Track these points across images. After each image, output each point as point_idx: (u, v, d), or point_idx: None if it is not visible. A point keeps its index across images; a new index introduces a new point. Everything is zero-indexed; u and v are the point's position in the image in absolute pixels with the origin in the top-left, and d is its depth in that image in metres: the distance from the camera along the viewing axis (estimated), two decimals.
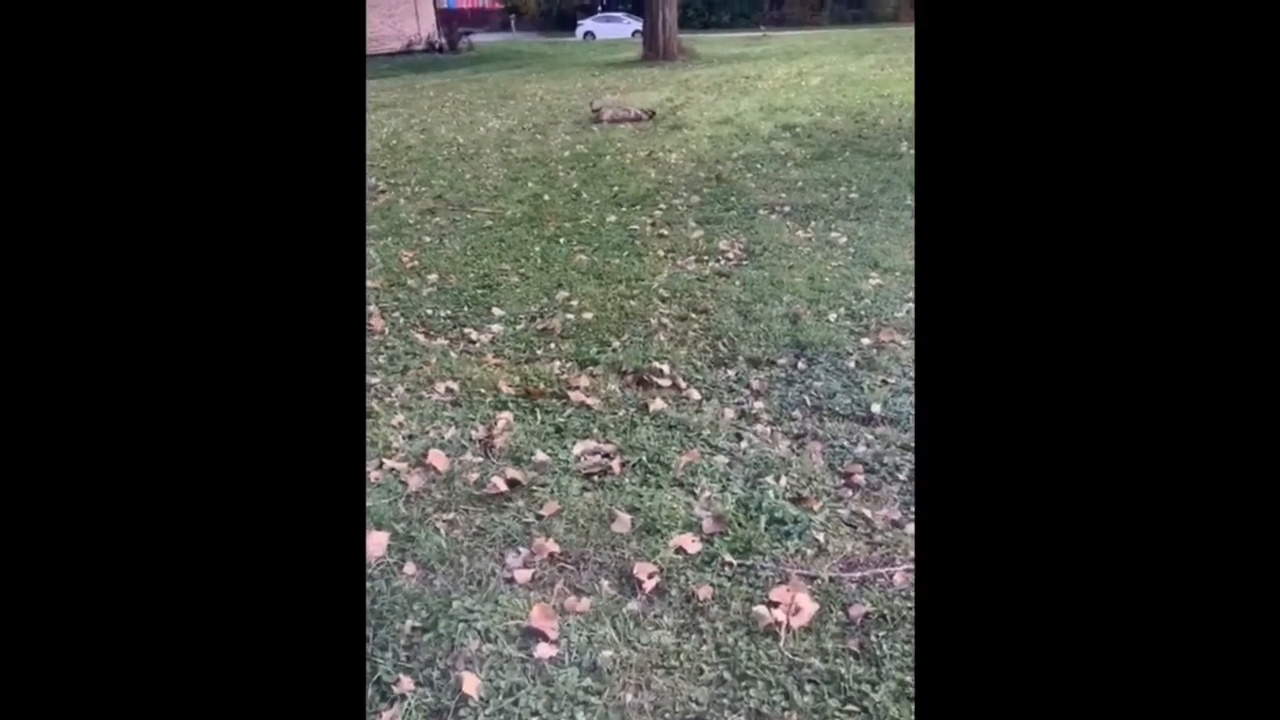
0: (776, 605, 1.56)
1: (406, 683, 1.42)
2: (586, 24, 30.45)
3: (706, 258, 3.85)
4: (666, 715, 1.36)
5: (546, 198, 5.15)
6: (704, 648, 1.50)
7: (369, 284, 3.61)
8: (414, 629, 1.55)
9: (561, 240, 4.21)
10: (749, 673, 1.43)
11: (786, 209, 4.63)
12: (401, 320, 3.21)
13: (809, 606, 1.56)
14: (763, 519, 1.86)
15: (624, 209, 4.80)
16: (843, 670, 1.43)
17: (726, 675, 1.43)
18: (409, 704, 1.39)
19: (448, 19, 24.88)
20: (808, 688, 1.40)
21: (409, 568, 1.74)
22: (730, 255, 3.88)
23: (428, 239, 4.34)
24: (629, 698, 1.39)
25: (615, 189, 5.30)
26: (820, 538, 1.79)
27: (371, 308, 3.32)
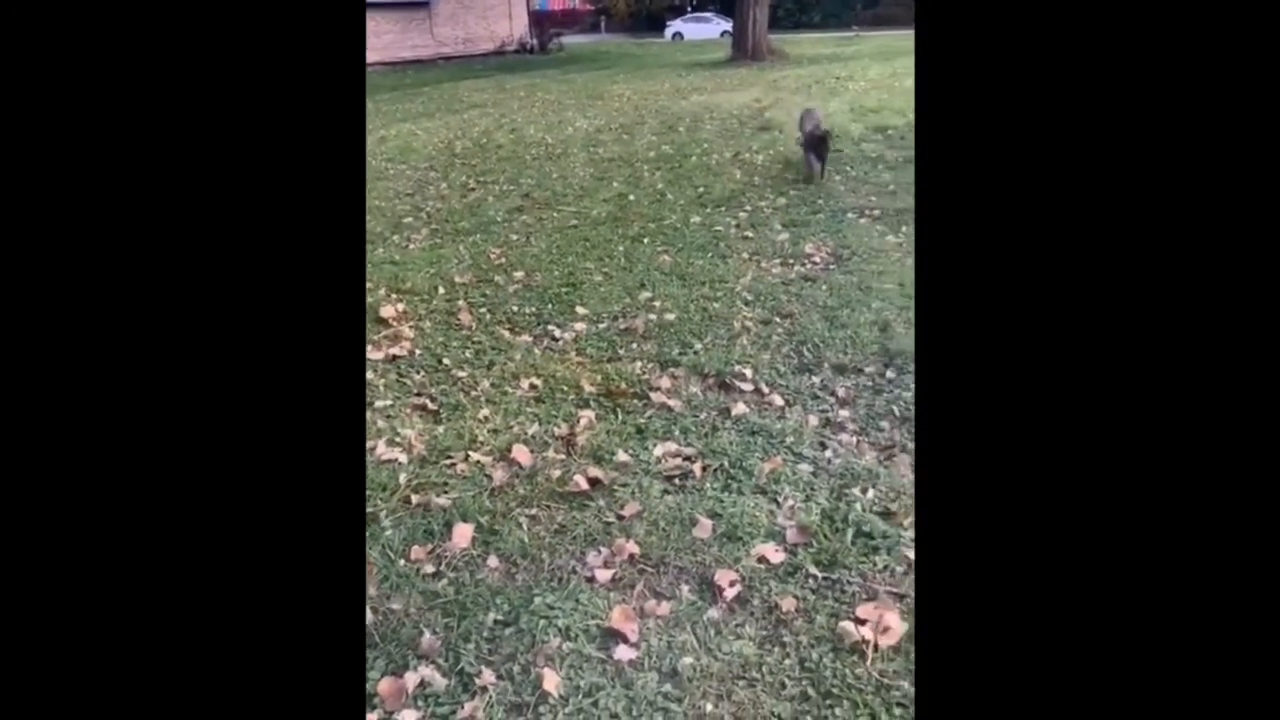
0: (864, 623, 1.51)
1: (488, 675, 1.44)
2: (675, 25, 30.44)
3: (792, 261, 3.78)
4: None
5: (631, 198, 5.17)
6: (787, 661, 1.46)
7: (458, 279, 3.70)
8: (496, 622, 1.57)
9: (645, 240, 4.21)
10: (834, 691, 1.39)
11: (877, 213, 4.50)
12: (488, 316, 3.27)
13: (898, 626, 1.50)
14: (849, 532, 1.80)
15: (708, 210, 4.77)
16: None
17: (811, 692, 1.39)
18: (490, 697, 1.40)
19: (539, 20, 25.26)
20: (896, 711, 1.34)
21: (492, 560, 1.76)
22: (817, 259, 3.80)
23: (515, 237, 4.41)
24: (709, 707, 1.37)
25: (700, 190, 5.27)
26: (910, 555, 1.72)
27: (460, 303, 3.40)
